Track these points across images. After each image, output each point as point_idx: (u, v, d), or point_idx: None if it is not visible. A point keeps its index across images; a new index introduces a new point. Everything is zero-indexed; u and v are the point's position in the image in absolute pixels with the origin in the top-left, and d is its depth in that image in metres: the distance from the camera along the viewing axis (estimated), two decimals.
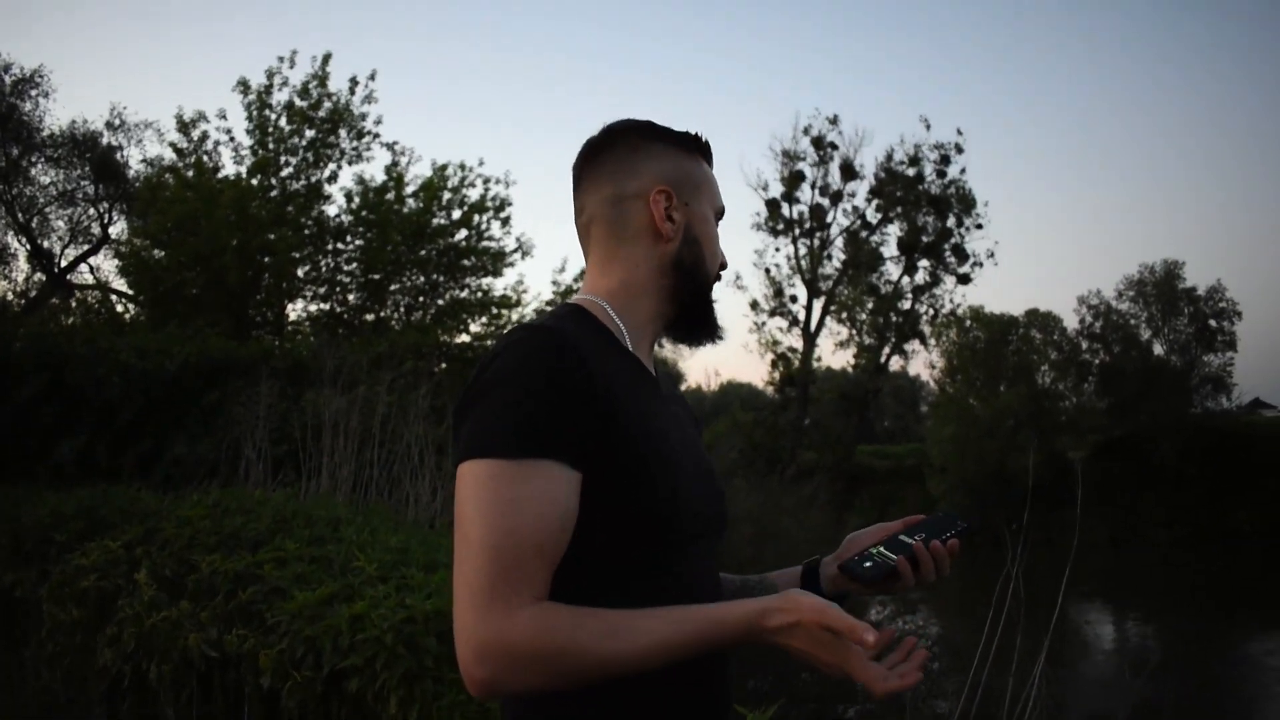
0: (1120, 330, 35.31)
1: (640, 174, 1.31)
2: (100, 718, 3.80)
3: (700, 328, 1.36)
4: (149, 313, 15.31)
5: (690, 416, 1.42)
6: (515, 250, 16.82)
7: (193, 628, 3.75)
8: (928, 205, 34.30)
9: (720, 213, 1.38)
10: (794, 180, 35.21)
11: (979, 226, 34.96)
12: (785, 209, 35.59)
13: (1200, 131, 75.47)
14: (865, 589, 1.30)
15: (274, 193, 15.19)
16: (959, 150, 34.30)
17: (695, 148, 1.36)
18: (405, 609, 3.35)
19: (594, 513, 1.12)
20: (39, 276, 20.72)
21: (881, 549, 1.30)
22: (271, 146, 15.16)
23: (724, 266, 1.37)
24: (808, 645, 1.05)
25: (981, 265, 35.18)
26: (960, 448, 32.38)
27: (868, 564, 1.28)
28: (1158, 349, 35.01)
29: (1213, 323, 34.58)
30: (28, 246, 20.30)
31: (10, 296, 20.10)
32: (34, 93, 18.82)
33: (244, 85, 15.10)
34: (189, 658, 3.65)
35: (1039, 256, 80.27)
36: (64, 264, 20.87)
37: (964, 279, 35.20)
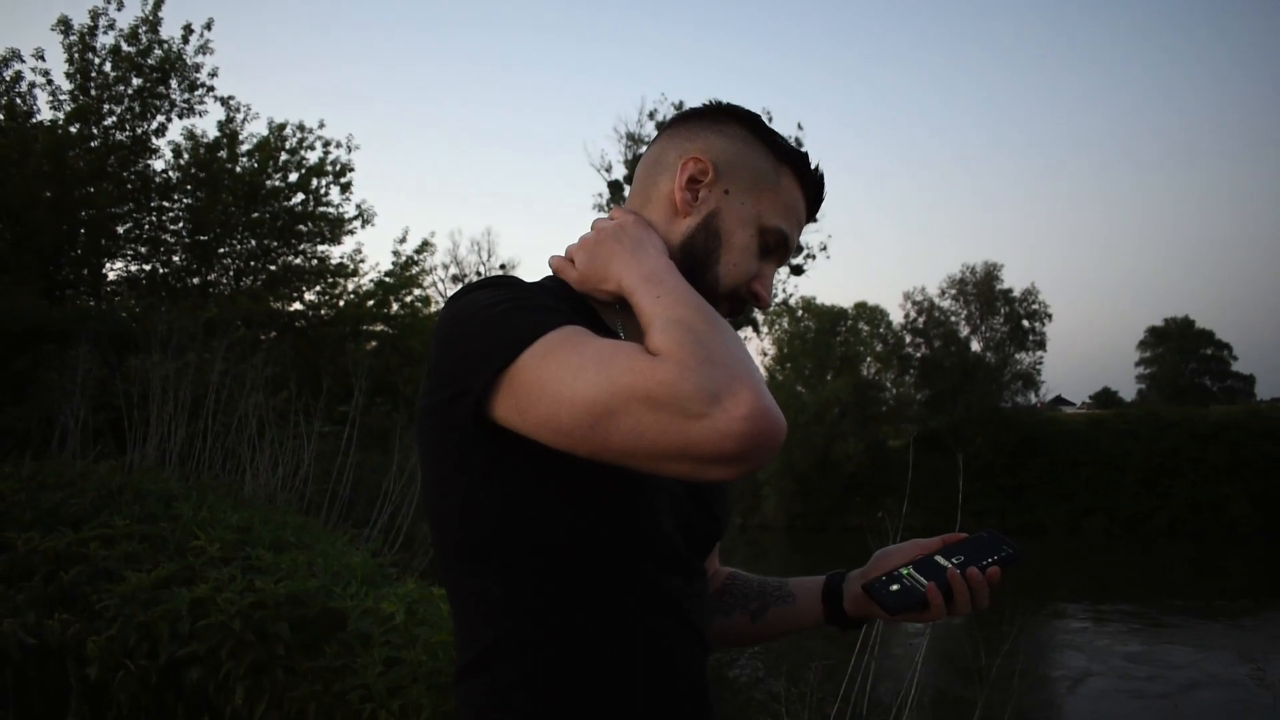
0: (941, 326, 37.11)
1: (694, 140, 1.14)
2: None
3: None
4: None
5: None
6: (355, 218, 16.22)
7: (7, 613, 3.40)
8: None
9: (778, 238, 1.14)
10: (636, 163, 35.28)
11: (814, 219, 35.69)
12: (627, 191, 35.63)
13: (1026, 139, 79.89)
14: (890, 617, 1.16)
15: (95, 143, 14.12)
16: (799, 144, 35.11)
17: (785, 157, 1.15)
18: (254, 593, 3.13)
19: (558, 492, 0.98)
20: None
21: (912, 570, 1.17)
22: (94, 93, 14.06)
23: (758, 300, 1.14)
24: None
25: (815, 257, 35.96)
26: (787, 434, 33.35)
27: (894, 587, 1.15)
28: (975, 345, 36.99)
29: (1026, 323, 36.76)
30: None
31: None
32: None
33: (65, 24, 13.97)
34: (3, 646, 3.31)
35: (869, 252, 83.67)
36: None
37: (797, 270, 35.96)
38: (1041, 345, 36.82)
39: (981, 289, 36.72)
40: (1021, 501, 32.95)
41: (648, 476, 1.01)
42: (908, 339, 37.51)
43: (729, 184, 1.13)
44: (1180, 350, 61.76)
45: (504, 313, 0.96)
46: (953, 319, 37.19)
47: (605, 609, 1.00)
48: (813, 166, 1.18)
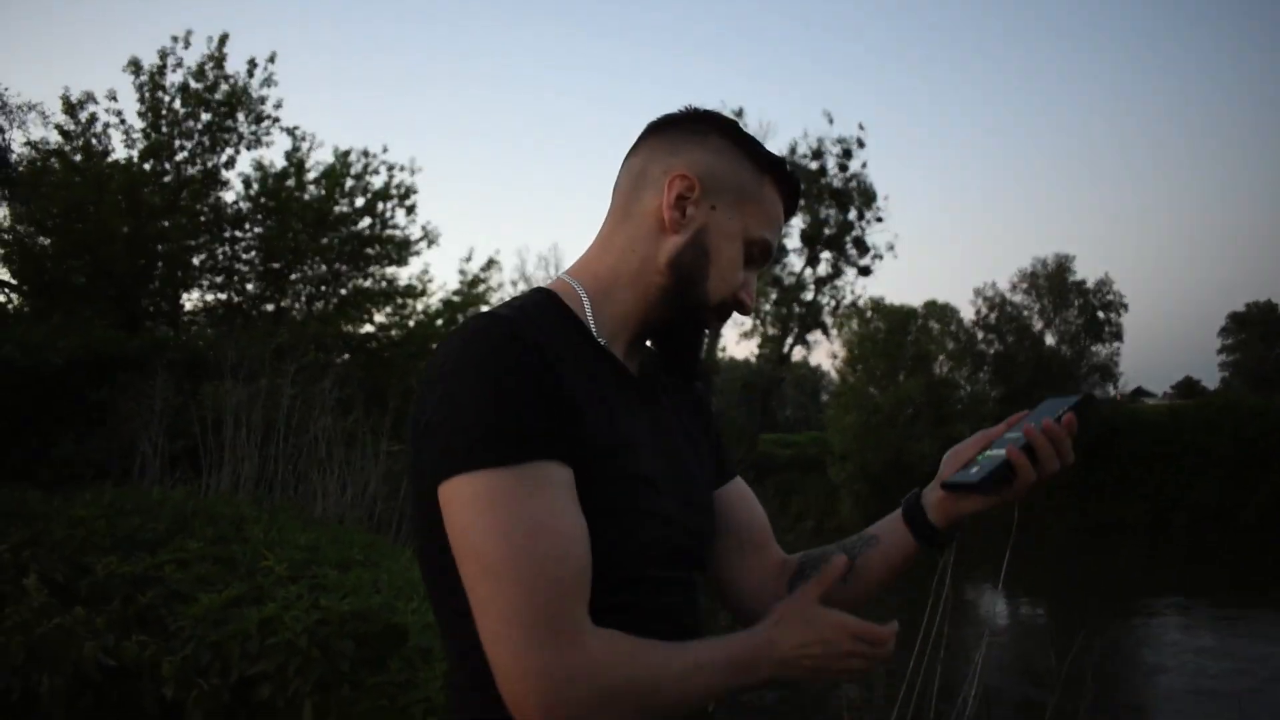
0: (1014, 321, 36.32)
1: (679, 155, 1.14)
2: None
3: (676, 353, 1.20)
4: (32, 303, 14.58)
5: (694, 424, 1.28)
6: (421, 239, 16.51)
7: (87, 635, 3.52)
8: (830, 198, 34.63)
9: (762, 248, 1.17)
10: None
11: (879, 220, 35.42)
12: None
13: (1092, 125, 78.36)
14: (981, 499, 1.13)
15: (168, 178, 14.59)
16: (860, 145, 34.69)
17: (767, 167, 1.17)
18: (319, 610, 3.21)
19: None
20: None
21: (988, 452, 1.14)
22: (165, 130, 14.53)
23: (742, 308, 1.18)
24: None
25: (882, 258, 35.66)
26: (860, 436, 32.94)
27: (974, 469, 1.12)
28: (1049, 339, 36.15)
29: (1101, 314, 35.84)
30: None
31: None
32: None
33: (135, 65, 14.45)
34: (83, 669, 3.43)
35: (937, 249, 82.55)
36: None
37: (865, 271, 35.67)
38: (1118, 336, 35.90)
39: (1053, 282, 35.94)
40: (1100, 498, 32.09)
41: (631, 500, 1.04)
42: (980, 335, 36.86)
43: (716, 199, 1.14)
44: (1264, 336, 59.70)
45: (484, 411, 0.95)
46: (1025, 313, 36.47)
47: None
48: (777, 157, 1.19)
